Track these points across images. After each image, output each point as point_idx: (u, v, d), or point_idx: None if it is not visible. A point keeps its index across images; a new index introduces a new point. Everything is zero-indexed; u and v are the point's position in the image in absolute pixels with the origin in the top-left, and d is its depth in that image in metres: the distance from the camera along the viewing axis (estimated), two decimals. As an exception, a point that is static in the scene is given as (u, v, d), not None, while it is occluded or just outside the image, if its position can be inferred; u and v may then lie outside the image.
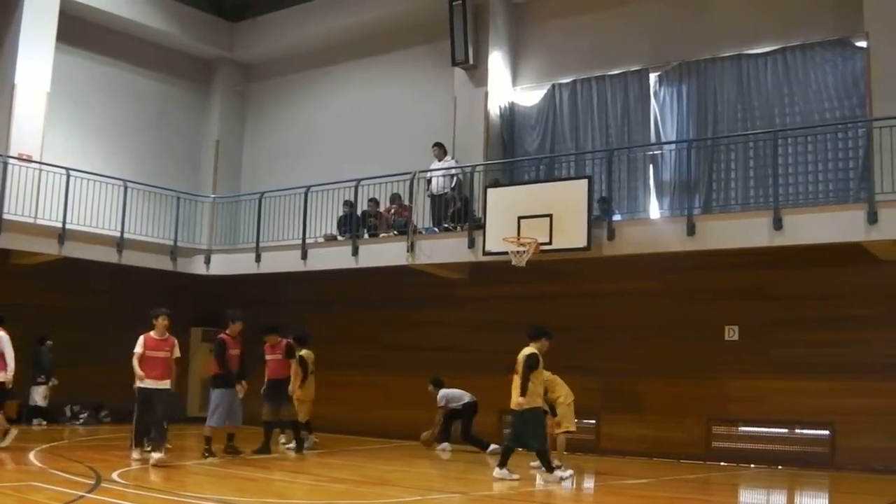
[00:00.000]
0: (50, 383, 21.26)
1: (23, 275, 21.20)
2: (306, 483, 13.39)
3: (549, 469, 13.77)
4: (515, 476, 13.75)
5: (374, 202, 21.47)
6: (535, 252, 17.66)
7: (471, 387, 19.01)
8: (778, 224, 15.83)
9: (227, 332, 16.32)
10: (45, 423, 21.01)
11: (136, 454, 14.66)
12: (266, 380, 17.35)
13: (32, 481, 11.94)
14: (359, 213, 21.40)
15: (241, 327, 16.38)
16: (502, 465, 13.87)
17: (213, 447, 15.81)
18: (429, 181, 20.85)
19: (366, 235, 21.18)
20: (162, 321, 14.84)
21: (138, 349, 14.54)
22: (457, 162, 20.95)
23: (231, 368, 16.03)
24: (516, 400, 13.65)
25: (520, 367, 13.75)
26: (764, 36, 18.76)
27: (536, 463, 14.78)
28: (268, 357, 17.41)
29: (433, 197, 20.80)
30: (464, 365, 19.63)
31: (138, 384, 14.44)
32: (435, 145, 21.05)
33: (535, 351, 13.88)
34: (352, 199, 21.39)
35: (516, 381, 13.77)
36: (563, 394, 15.34)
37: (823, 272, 17.05)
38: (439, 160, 20.94)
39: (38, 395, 21.31)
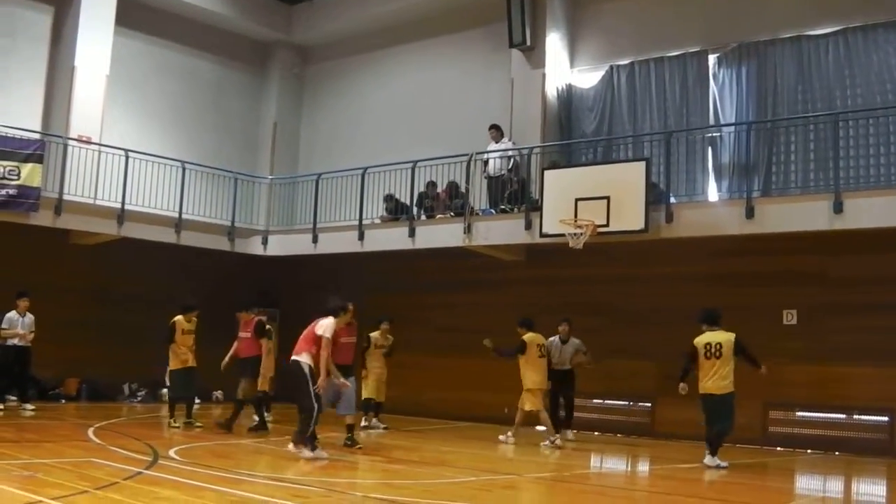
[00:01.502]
0: None
1: (82, 254, 21.52)
2: (363, 463, 13.41)
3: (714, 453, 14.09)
4: (725, 463, 13.96)
5: (432, 185, 21.50)
6: (592, 234, 17.60)
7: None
8: (838, 207, 15.64)
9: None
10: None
11: (309, 451, 13.09)
12: (235, 357, 17.12)
13: (92, 457, 12.07)
14: (416, 194, 21.47)
15: (352, 313, 14.36)
16: (714, 452, 14.09)
17: (355, 435, 14.98)
18: (485, 163, 20.80)
19: (422, 217, 21.19)
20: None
21: (329, 333, 13.20)
22: (514, 143, 20.88)
23: (342, 359, 14.39)
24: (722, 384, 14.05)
25: (728, 350, 13.99)
26: (824, 17, 18.53)
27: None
28: (241, 334, 17.18)
29: (490, 178, 20.75)
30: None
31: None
32: (492, 127, 20.99)
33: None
34: (410, 179, 21.27)
35: (716, 365, 14.03)
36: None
37: (884, 257, 16.86)
38: (496, 142, 20.88)
39: None
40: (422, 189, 21.63)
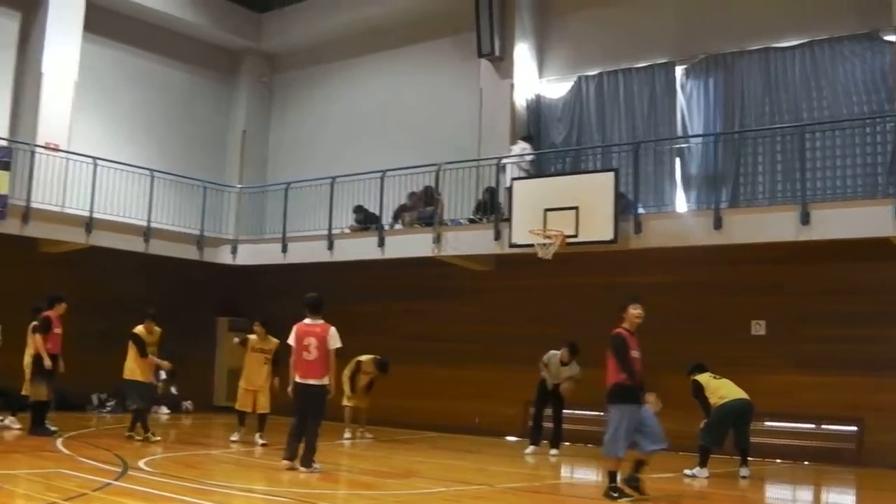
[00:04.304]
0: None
1: (50, 263, 21.30)
2: (331, 474, 13.38)
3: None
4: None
5: (414, 195, 21.43)
6: (561, 245, 17.66)
7: (495, 380, 19.13)
8: (805, 218, 15.78)
9: (623, 326, 12.10)
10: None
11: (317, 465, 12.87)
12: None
13: (60, 468, 12.02)
14: (384, 203, 21.36)
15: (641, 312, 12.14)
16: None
17: (619, 483, 11.71)
18: (501, 168, 20.16)
19: (397, 226, 21.21)
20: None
21: (339, 344, 13.00)
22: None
23: (637, 376, 11.64)
24: None
25: None
26: (791, 29, 18.69)
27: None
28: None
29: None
30: (489, 356, 19.66)
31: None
32: (527, 138, 20.76)
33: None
34: (379, 190, 21.30)
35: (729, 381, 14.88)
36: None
37: (851, 267, 16.99)
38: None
39: None
40: (403, 201, 21.55)
